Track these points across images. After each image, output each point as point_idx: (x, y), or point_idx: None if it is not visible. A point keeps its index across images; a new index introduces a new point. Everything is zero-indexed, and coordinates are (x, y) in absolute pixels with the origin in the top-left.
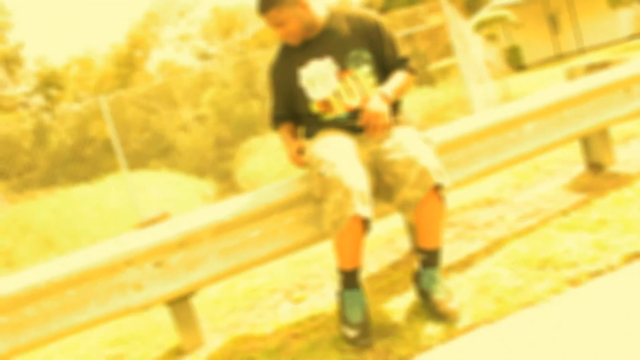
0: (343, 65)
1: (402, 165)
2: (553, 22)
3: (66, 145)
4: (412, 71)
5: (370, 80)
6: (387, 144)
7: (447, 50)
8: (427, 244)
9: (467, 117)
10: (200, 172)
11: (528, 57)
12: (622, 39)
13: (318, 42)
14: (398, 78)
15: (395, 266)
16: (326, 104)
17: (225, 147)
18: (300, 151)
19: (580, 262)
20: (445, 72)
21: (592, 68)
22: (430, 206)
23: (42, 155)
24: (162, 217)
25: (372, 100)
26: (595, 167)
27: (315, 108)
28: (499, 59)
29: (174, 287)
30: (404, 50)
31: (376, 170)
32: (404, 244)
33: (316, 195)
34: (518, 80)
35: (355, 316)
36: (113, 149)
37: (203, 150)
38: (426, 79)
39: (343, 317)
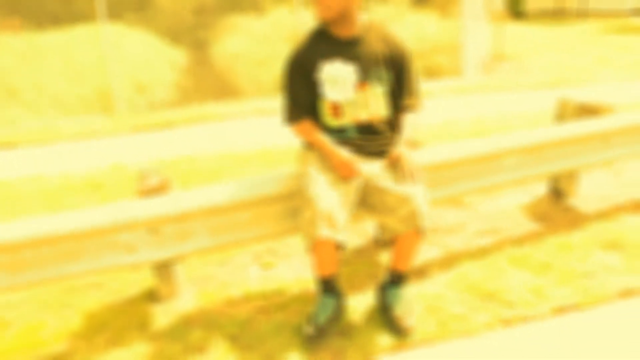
0: (364, 77)
1: (395, 197)
2: None
3: None
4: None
5: (382, 101)
6: (383, 171)
7: None
8: (399, 266)
9: (456, 144)
10: (174, 36)
11: (529, 4)
12: (624, 10)
13: (348, 46)
14: (410, 122)
15: (358, 253)
16: (336, 108)
17: (206, 16)
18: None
19: (518, 304)
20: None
21: (583, 111)
22: (410, 239)
23: None
24: (162, 186)
25: (407, 151)
26: (556, 193)
27: (324, 107)
28: (499, 1)
29: (164, 254)
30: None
31: (364, 191)
32: (370, 228)
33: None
34: (514, 31)
35: (319, 318)
36: None
37: (182, 12)
38: None
39: (313, 312)
